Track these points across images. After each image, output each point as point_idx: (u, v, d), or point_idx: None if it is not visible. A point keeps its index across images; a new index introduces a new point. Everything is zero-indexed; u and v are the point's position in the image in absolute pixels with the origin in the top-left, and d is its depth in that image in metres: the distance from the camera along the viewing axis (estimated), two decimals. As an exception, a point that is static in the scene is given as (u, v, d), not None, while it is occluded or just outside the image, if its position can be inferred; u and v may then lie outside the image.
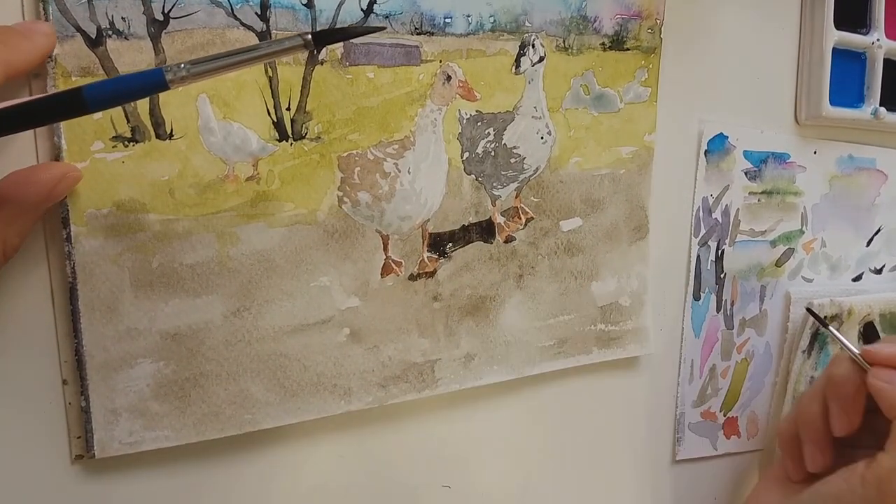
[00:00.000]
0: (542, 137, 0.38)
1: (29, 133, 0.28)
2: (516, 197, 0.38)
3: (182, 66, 0.22)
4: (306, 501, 0.35)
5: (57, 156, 0.28)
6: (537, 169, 0.38)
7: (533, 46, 0.37)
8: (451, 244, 0.37)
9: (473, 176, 0.37)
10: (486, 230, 0.38)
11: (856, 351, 0.41)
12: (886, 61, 0.50)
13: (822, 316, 0.49)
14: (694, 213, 0.45)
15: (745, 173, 0.47)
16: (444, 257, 0.37)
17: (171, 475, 0.32)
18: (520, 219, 0.38)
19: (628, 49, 0.40)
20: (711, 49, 0.44)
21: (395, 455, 0.38)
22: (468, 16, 0.35)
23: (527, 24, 0.36)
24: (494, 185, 0.37)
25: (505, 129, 0.37)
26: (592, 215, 0.40)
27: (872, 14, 0.49)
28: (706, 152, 0.45)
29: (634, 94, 0.40)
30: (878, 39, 0.49)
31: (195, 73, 0.22)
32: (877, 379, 0.39)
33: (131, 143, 0.29)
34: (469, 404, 0.39)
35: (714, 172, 0.45)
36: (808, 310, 0.42)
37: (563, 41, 0.38)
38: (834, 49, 0.47)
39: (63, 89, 0.27)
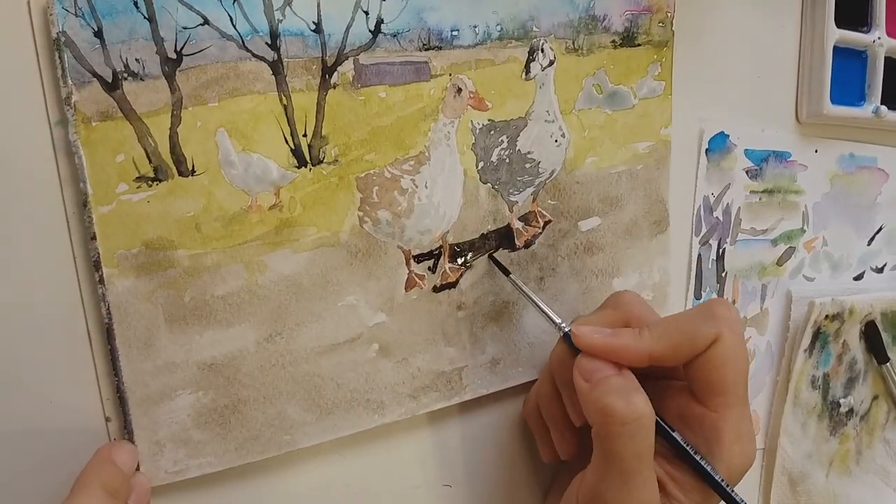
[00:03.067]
0: (555, 140, 0.38)
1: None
2: (533, 201, 0.38)
3: None
4: (307, 500, 0.36)
5: (84, 201, 0.29)
6: (553, 172, 0.38)
7: (542, 51, 0.37)
8: (471, 253, 0.37)
9: (489, 184, 0.37)
10: (504, 236, 0.38)
11: (565, 328, 0.34)
12: (887, 60, 0.49)
13: (820, 316, 0.48)
14: (695, 212, 0.45)
15: (746, 172, 0.46)
16: (466, 266, 0.37)
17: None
18: (538, 222, 0.39)
19: (640, 45, 0.39)
20: (712, 48, 0.44)
21: (395, 454, 0.38)
22: (475, 26, 0.35)
23: (534, 29, 0.36)
24: (511, 191, 0.38)
25: (518, 136, 0.37)
26: (611, 213, 0.40)
27: (873, 12, 0.48)
28: (707, 151, 0.45)
29: (648, 88, 0.40)
30: (879, 38, 0.48)
31: None
32: (578, 370, 0.32)
33: (155, 183, 0.30)
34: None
35: (715, 171, 0.45)
36: (490, 256, 0.37)
37: (573, 42, 0.37)
38: (835, 47, 0.47)
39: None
